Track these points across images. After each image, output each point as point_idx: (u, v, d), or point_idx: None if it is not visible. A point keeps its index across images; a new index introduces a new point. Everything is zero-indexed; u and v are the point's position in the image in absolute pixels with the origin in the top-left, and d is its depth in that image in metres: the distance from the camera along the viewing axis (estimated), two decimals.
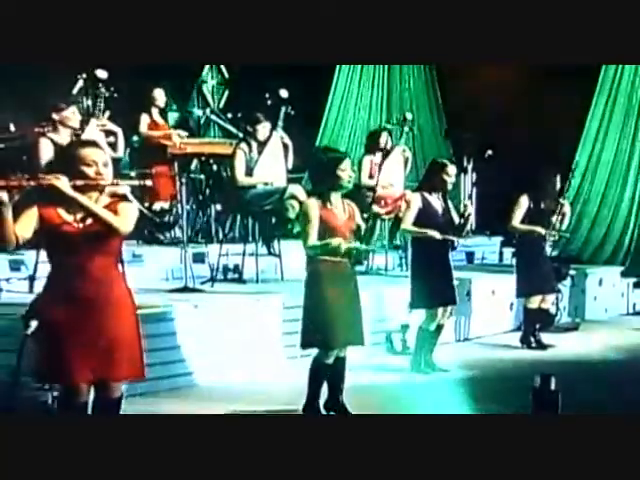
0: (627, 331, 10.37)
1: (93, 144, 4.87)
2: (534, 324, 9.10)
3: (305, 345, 6.15)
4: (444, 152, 14.03)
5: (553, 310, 9.91)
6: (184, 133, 10.44)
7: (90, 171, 4.62)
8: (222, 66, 13.31)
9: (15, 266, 7.71)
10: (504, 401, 6.51)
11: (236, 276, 8.96)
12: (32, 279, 7.31)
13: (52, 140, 7.54)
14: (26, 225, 4.56)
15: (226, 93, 13.35)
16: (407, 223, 7.74)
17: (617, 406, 6.29)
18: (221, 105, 13.14)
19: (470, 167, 11.97)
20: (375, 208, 9.34)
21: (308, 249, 5.97)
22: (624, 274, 12.17)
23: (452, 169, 7.73)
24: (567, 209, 9.13)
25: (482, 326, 9.76)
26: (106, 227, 4.60)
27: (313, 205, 5.95)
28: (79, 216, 4.62)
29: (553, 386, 4.95)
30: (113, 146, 8.33)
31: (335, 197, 5.99)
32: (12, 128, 8.08)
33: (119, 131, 8.00)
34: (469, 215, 7.79)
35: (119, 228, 4.63)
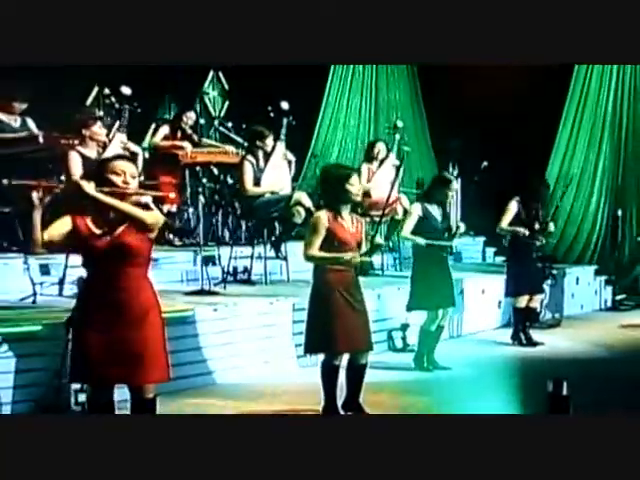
0: (608, 327, 10.43)
1: (125, 157, 4.90)
2: (523, 322, 9.13)
3: (308, 351, 6.09)
4: (429, 160, 14.12)
5: (539, 308, 9.96)
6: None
7: (118, 180, 4.61)
8: (222, 77, 13.25)
9: (45, 270, 7.63)
10: (505, 399, 6.54)
11: (245, 277, 8.96)
12: (61, 283, 7.26)
13: (80, 153, 7.47)
14: (56, 231, 4.54)
15: (226, 104, 13.29)
16: (406, 231, 7.76)
17: (612, 401, 6.33)
18: (221, 115, 13.06)
19: (455, 173, 11.91)
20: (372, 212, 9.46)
21: (307, 257, 5.94)
22: (598, 272, 12.29)
23: (455, 185, 7.88)
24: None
25: (474, 323, 9.83)
26: (135, 225, 4.56)
27: (323, 217, 5.91)
28: (107, 229, 4.58)
29: (565, 391, 4.91)
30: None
31: (345, 211, 5.97)
32: (41, 140, 7.96)
33: (139, 151, 7.92)
34: (458, 228, 7.85)
35: (145, 219, 4.58)
